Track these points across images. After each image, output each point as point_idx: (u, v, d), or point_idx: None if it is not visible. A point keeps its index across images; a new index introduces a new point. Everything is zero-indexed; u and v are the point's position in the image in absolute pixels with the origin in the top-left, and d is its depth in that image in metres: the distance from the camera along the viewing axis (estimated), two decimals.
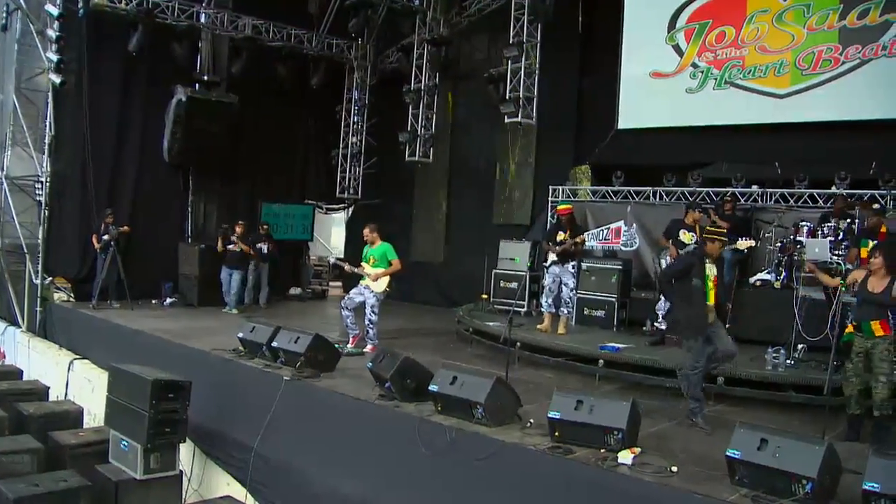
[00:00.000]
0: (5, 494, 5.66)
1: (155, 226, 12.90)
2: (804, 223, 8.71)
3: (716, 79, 10.55)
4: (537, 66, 11.57)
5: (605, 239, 11.10)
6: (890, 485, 3.79)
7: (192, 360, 8.24)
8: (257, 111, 13.57)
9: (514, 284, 10.58)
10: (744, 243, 7.61)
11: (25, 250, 12.42)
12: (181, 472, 6.89)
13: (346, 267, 9.21)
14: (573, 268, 9.04)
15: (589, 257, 10.30)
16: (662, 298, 8.27)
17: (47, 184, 12.02)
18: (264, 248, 12.31)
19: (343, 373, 7.31)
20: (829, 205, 9.04)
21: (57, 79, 11.31)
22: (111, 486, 6.32)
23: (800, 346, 7.32)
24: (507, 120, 11.65)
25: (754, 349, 7.50)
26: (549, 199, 11.79)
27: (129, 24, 11.65)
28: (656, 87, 11.18)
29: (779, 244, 9.02)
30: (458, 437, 5.33)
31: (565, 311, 9.06)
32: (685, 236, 8.37)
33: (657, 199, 10.83)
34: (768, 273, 9.01)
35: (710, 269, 5.80)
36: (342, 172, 15.79)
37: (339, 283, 15.52)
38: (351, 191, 15.81)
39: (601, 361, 7.54)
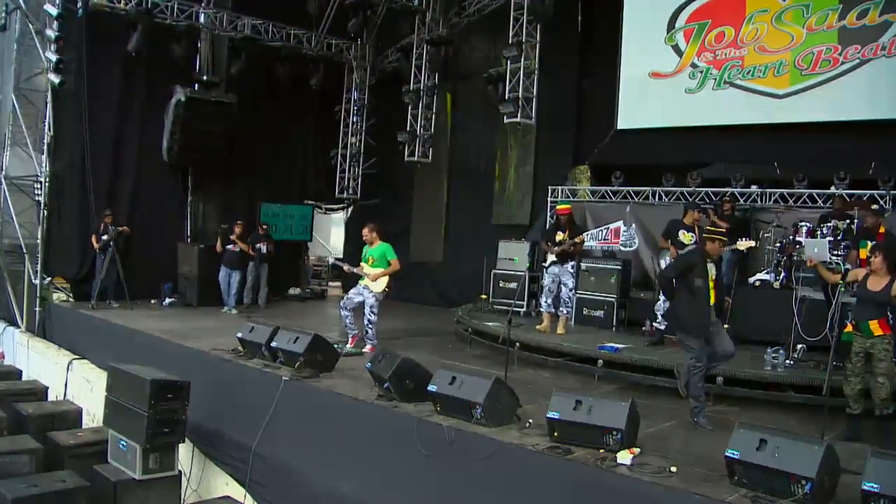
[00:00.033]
0: (4, 495, 5.65)
1: (154, 226, 12.89)
2: (803, 223, 8.71)
3: (715, 79, 10.55)
4: (536, 66, 11.57)
5: (604, 239, 11.10)
6: (889, 485, 3.79)
7: (191, 360, 8.24)
8: (256, 111, 13.55)
9: (513, 284, 10.57)
10: (744, 244, 7.58)
11: (24, 250, 12.43)
12: (180, 472, 6.89)
13: (345, 267, 9.21)
14: (572, 268, 9.04)
15: (588, 257, 10.31)
16: (661, 298, 8.25)
17: (46, 184, 12.02)
18: (263, 248, 12.31)
19: (342, 373, 7.30)
20: (828, 205, 9.05)
21: (56, 79, 11.31)
22: (110, 487, 6.32)
23: (799, 347, 7.32)
24: (506, 120, 11.65)
25: (753, 349, 7.50)
26: (549, 199, 11.80)
27: (129, 25, 11.64)
28: (655, 88, 11.18)
29: (778, 244, 9.02)
30: (457, 437, 5.32)
31: (564, 312, 9.06)
32: (684, 236, 8.35)
33: (656, 200, 10.83)
34: (767, 273, 9.01)
35: (710, 269, 5.81)
36: (341, 172, 15.80)
37: (339, 284, 15.52)
38: (350, 191, 15.81)
39: (600, 361, 7.53)
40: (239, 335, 8.09)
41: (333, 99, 15.67)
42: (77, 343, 10.78)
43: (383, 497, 5.63)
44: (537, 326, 9.02)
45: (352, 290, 8.63)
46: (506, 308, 9.35)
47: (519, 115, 11.35)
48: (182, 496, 6.98)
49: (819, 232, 8.36)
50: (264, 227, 12.77)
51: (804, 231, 8.59)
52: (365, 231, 8.61)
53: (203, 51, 13.30)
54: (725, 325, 6.41)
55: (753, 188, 9.94)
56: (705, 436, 5.51)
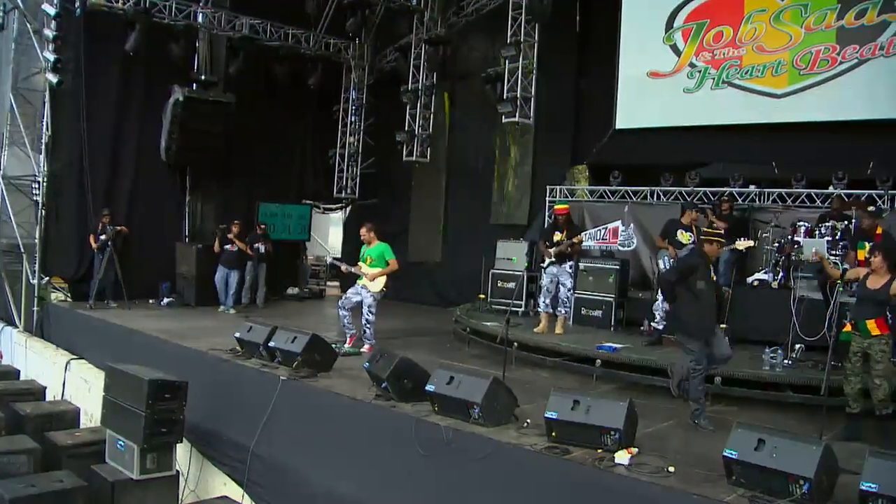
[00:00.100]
0: (2, 495, 5.64)
1: (152, 226, 12.88)
2: (802, 223, 8.70)
3: (713, 78, 10.55)
4: (535, 65, 11.55)
5: (602, 239, 11.09)
6: (888, 485, 3.78)
7: (188, 360, 8.24)
8: (254, 111, 13.54)
9: (511, 284, 10.56)
10: (742, 243, 7.61)
11: (22, 250, 12.41)
12: (178, 472, 6.89)
13: (343, 267, 9.20)
14: (571, 268, 9.04)
15: (586, 257, 10.30)
16: (660, 298, 8.25)
17: (44, 184, 12.01)
18: (262, 247, 12.30)
19: (340, 373, 7.30)
20: (826, 205, 9.05)
21: (54, 78, 11.29)
22: (107, 487, 6.31)
23: (797, 346, 7.32)
24: (504, 120, 11.63)
25: (752, 349, 7.51)
26: (547, 198, 11.80)
27: (127, 24, 11.61)
28: (654, 87, 11.17)
29: (776, 244, 9.02)
30: (455, 437, 5.32)
31: (563, 311, 9.05)
32: (683, 236, 8.35)
33: (655, 199, 10.83)
34: (766, 273, 9.01)
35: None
36: (339, 172, 15.78)
37: (337, 283, 15.52)
38: (348, 191, 15.79)
39: (598, 361, 7.53)
40: (237, 335, 8.08)
41: (332, 98, 15.65)
42: (75, 343, 10.76)
43: (381, 497, 5.63)
44: (535, 329, 8.99)
45: (350, 290, 8.63)
46: (504, 308, 9.35)
47: (517, 114, 11.34)
48: (180, 496, 6.98)
49: (817, 232, 8.37)
50: (262, 226, 12.76)
51: (802, 231, 8.59)
52: (363, 231, 8.61)
53: (201, 50, 13.27)
54: (724, 325, 6.42)
55: (752, 188, 9.94)
56: (703, 436, 5.51)
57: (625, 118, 11.48)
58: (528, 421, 5.53)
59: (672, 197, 10.60)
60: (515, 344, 8.11)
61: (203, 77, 12.96)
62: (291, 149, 15.17)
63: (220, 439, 7.17)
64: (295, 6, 13.22)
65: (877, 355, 5.50)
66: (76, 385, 9.75)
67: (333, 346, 7.83)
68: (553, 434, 5.10)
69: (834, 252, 7.91)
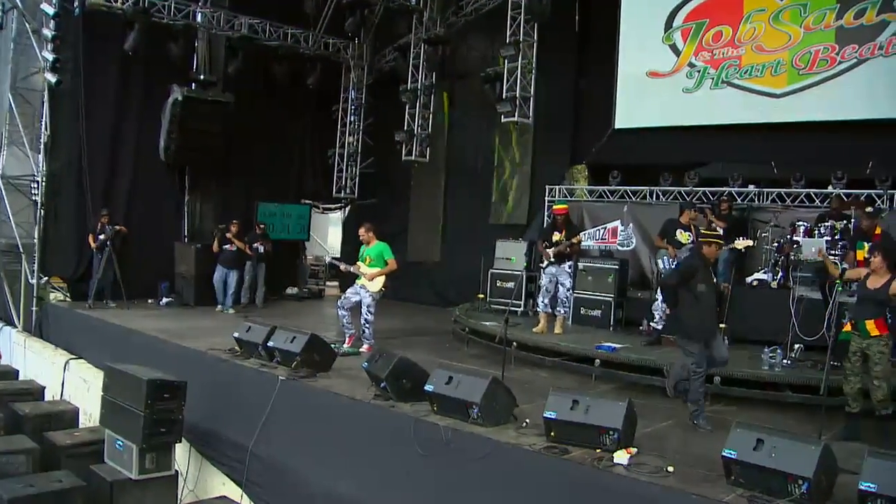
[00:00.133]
0: (0, 495, 5.64)
1: (151, 225, 12.87)
2: (801, 223, 8.71)
3: (712, 78, 10.55)
4: (534, 65, 11.55)
5: (601, 238, 11.09)
6: (886, 485, 3.78)
7: (187, 359, 8.23)
8: (253, 111, 13.53)
9: (510, 284, 10.56)
10: (742, 243, 7.60)
11: (21, 250, 12.40)
12: (177, 472, 6.87)
13: (343, 266, 9.19)
14: (570, 268, 9.03)
15: (585, 257, 10.30)
16: (659, 298, 8.25)
17: (43, 183, 12.00)
18: (261, 247, 12.29)
19: (339, 373, 7.29)
20: (825, 204, 9.05)
21: (53, 78, 11.29)
22: (106, 487, 6.30)
23: (796, 346, 7.31)
24: (503, 119, 11.63)
25: (751, 349, 7.51)
26: (546, 198, 11.79)
27: (125, 24, 11.59)
28: (653, 87, 11.18)
29: (775, 244, 9.03)
30: (454, 437, 5.32)
31: (562, 311, 9.05)
32: (682, 236, 8.35)
33: (654, 199, 10.82)
34: (765, 273, 9.02)
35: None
36: (339, 172, 15.78)
37: (336, 283, 15.51)
38: (347, 190, 15.79)
39: (597, 361, 7.54)
40: (236, 335, 8.07)
41: (331, 98, 15.64)
42: (74, 343, 10.75)
43: (380, 497, 5.62)
44: (534, 329, 8.99)
45: (349, 290, 8.63)
46: (503, 308, 9.35)
47: (516, 114, 11.34)
48: (179, 496, 6.97)
49: (816, 231, 8.37)
50: (261, 226, 12.76)
51: (802, 230, 8.59)
52: (362, 230, 8.61)
53: (200, 50, 13.26)
54: (723, 325, 6.41)
55: (751, 188, 9.94)
56: (702, 436, 5.51)
57: (624, 118, 11.49)
58: (527, 421, 5.52)
59: (671, 197, 10.59)
60: (514, 344, 8.11)
61: (202, 77, 12.96)
62: (290, 148, 15.16)
63: (219, 439, 7.16)
64: (294, 6, 13.22)
65: (875, 356, 5.49)
66: (75, 385, 9.74)
67: (332, 345, 7.83)
68: (552, 434, 5.10)
69: (833, 252, 7.91)
